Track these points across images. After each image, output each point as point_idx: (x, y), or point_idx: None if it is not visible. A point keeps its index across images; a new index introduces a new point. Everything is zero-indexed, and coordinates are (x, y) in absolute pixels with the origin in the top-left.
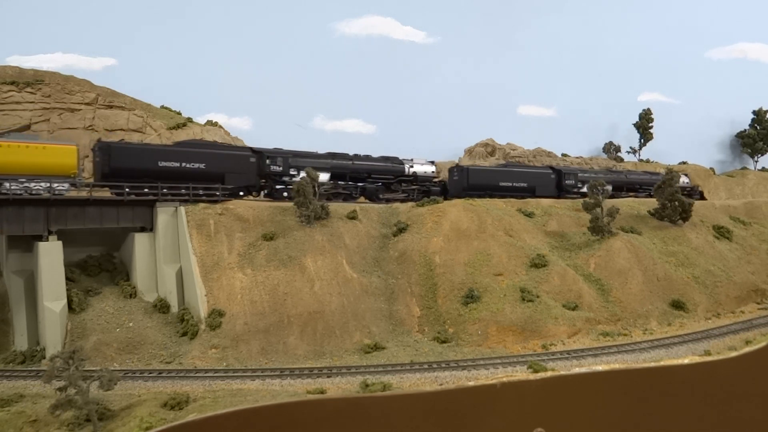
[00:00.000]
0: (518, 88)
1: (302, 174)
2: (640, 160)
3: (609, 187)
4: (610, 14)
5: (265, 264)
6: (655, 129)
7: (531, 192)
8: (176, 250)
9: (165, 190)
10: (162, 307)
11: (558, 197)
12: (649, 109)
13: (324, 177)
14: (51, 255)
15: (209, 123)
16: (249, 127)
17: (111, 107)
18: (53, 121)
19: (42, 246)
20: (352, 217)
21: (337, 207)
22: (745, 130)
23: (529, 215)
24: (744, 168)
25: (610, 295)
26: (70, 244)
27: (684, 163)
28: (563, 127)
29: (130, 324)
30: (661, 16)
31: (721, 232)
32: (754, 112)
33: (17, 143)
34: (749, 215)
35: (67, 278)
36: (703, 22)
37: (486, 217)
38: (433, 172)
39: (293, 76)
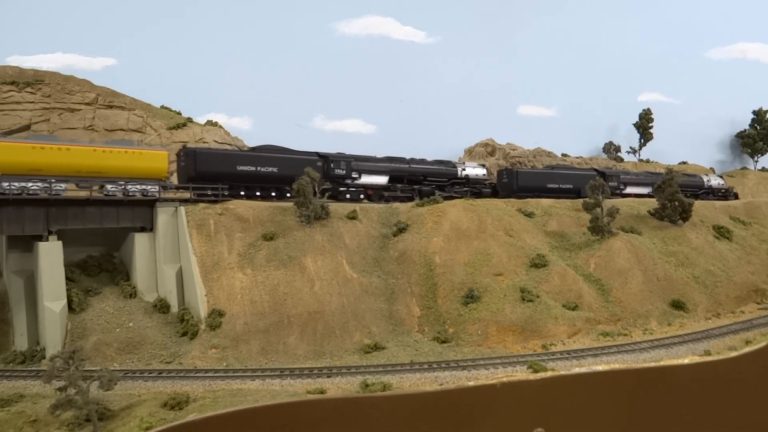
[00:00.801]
0: (518, 88)
1: (363, 177)
2: (640, 160)
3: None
4: (610, 14)
5: (265, 264)
6: (655, 129)
7: (576, 193)
8: (176, 250)
9: (243, 192)
10: (162, 307)
11: None
12: (649, 109)
13: (383, 180)
14: (51, 255)
15: (209, 123)
16: (249, 127)
17: (111, 107)
18: (53, 121)
19: (42, 246)
20: (352, 217)
21: (337, 207)
22: (745, 130)
23: (529, 215)
24: (744, 168)
25: (610, 295)
26: (70, 244)
27: (684, 163)
28: (563, 127)
29: (130, 324)
30: (661, 16)
31: (721, 232)
32: (754, 112)
33: (119, 149)
34: (749, 215)
35: (67, 278)
36: (703, 22)
37: (486, 217)
38: (483, 174)
39: (293, 76)
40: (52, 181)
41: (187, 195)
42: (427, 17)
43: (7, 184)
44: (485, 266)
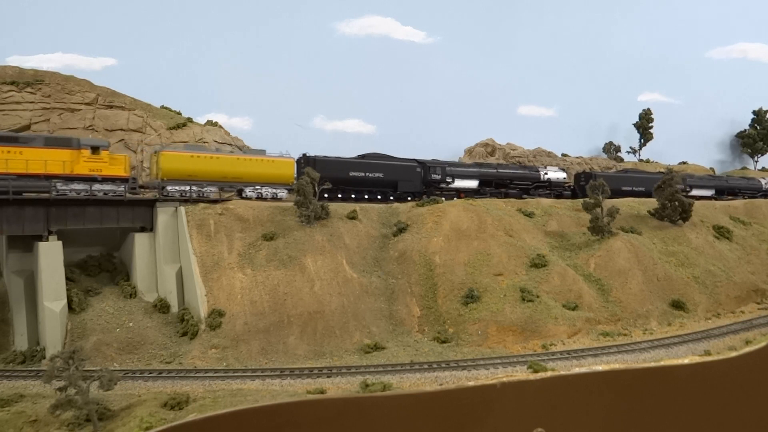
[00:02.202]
0: (518, 88)
1: (457, 181)
2: (640, 160)
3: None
4: (610, 14)
5: (265, 264)
6: (655, 129)
7: (648, 195)
8: (176, 250)
9: (353, 195)
10: (162, 307)
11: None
12: (649, 109)
13: (473, 184)
14: (51, 255)
15: (209, 123)
16: (249, 127)
17: (111, 107)
18: (53, 121)
19: (42, 246)
20: (352, 217)
21: (337, 207)
22: (745, 130)
23: (529, 215)
24: (744, 168)
25: (610, 295)
26: (70, 244)
27: (684, 163)
28: (563, 127)
29: (130, 324)
30: (661, 16)
31: (721, 232)
32: (754, 112)
33: (255, 158)
34: (749, 215)
35: (67, 278)
36: (703, 22)
37: (486, 217)
38: (564, 178)
39: (293, 76)
40: (203, 184)
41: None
42: (427, 17)
43: (170, 187)
44: (485, 266)
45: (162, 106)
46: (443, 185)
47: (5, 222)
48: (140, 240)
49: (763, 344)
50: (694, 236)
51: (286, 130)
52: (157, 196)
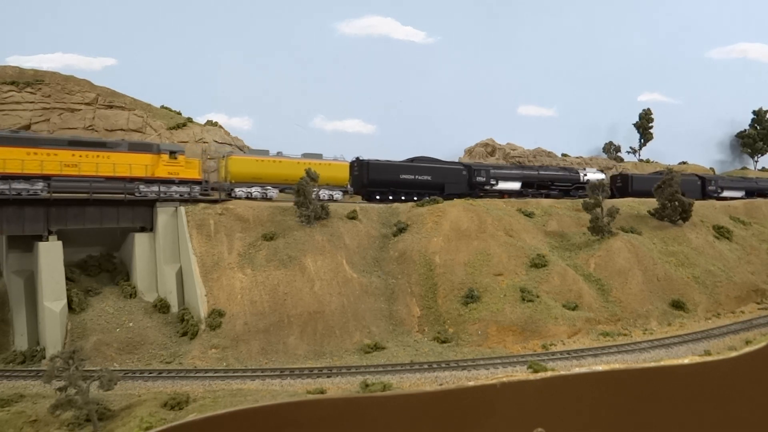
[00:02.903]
0: (518, 88)
1: (500, 183)
2: (640, 160)
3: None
4: (610, 14)
5: (265, 264)
6: (655, 129)
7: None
8: (176, 250)
9: (403, 197)
10: (162, 307)
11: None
12: (649, 109)
13: (516, 186)
14: (51, 255)
15: (209, 123)
16: (249, 127)
17: (111, 107)
18: (53, 121)
19: (42, 246)
20: (352, 217)
21: (337, 207)
22: (745, 130)
23: (529, 215)
24: (744, 168)
25: (610, 295)
26: (70, 244)
27: (684, 163)
28: (563, 127)
29: (130, 324)
30: (662, 16)
31: (721, 232)
32: (754, 112)
33: (314, 161)
34: (749, 215)
35: (67, 278)
36: (703, 22)
37: (486, 217)
38: (603, 179)
39: (293, 76)
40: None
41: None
42: (427, 17)
43: (238, 189)
44: (485, 266)
45: (162, 106)
46: (487, 187)
47: (5, 222)
48: (140, 240)
49: (763, 344)
50: (694, 236)
51: (286, 130)
52: (221, 196)
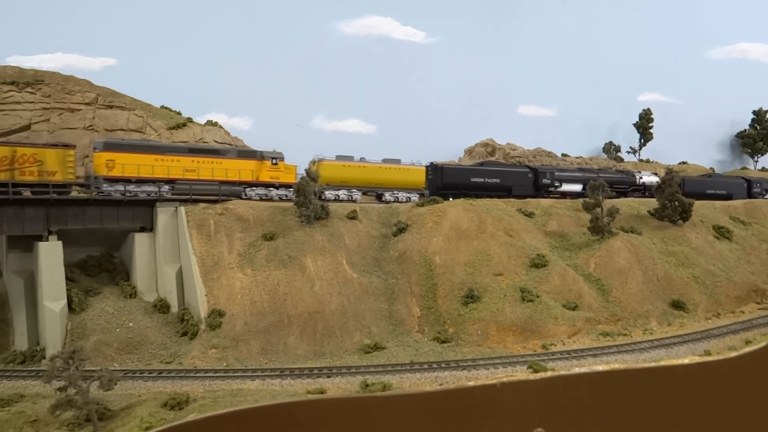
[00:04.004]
0: (518, 88)
1: (564, 185)
2: (640, 160)
3: None
4: (610, 14)
5: (265, 264)
6: (655, 129)
7: (729, 197)
8: (176, 250)
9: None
10: (162, 307)
11: (748, 198)
12: (649, 109)
13: (578, 187)
14: (51, 255)
15: (209, 123)
16: (249, 127)
17: (111, 107)
18: (53, 121)
19: (42, 246)
20: (352, 217)
21: (337, 207)
22: (745, 130)
23: (529, 215)
24: (744, 168)
25: (610, 295)
26: (70, 244)
27: (684, 163)
28: (563, 127)
29: (130, 324)
30: (661, 16)
31: (721, 232)
32: (754, 112)
33: (394, 166)
34: (749, 215)
35: (67, 278)
36: (703, 22)
37: (486, 217)
38: (656, 181)
39: (293, 76)
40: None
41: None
42: (427, 17)
43: (327, 192)
44: (485, 266)
45: (162, 106)
46: (551, 189)
47: (5, 222)
48: (140, 240)
49: (763, 344)
50: (694, 236)
51: (286, 130)
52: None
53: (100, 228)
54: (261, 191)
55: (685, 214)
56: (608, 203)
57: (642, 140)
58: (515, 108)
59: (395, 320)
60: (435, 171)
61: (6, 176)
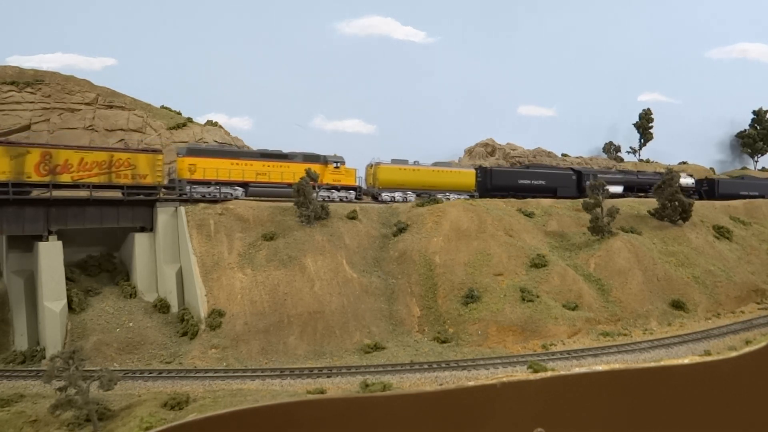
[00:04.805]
0: (518, 88)
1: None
2: (640, 160)
3: None
4: (610, 14)
5: (265, 264)
6: (655, 129)
7: (762, 197)
8: (176, 250)
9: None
10: (162, 307)
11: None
12: (649, 109)
13: (619, 189)
14: (51, 255)
15: (209, 123)
16: (249, 127)
17: (111, 107)
18: (53, 121)
19: (42, 246)
20: (352, 217)
21: (337, 207)
22: (745, 130)
23: (529, 215)
24: (744, 168)
25: (610, 295)
26: (70, 244)
27: (684, 163)
28: (563, 127)
29: (130, 324)
30: (661, 16)
31: (721, 232)
32: (754, 112)
33: (445, 169)
34: (749, 215)
35: (67, 278)
36: (703, 22)
37: (486, 217)
38: (692, 183)
39: (293, 76)
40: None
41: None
42: (427, 17)
43: (384, 194)
44: (485, 266)
45: (162, 106)
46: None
47: (5, 222)
48: (140, 240)
49: (763, 344)
50: (694, 236)
51: (286, 130)
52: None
53: (100, 228)
54: (324, 193)
55: (685, 214)
56: (608, 203)
57: (642, 140)
58: (515, 108)
59: (395, 320)
60: (484, 174)
61: (104, 178)
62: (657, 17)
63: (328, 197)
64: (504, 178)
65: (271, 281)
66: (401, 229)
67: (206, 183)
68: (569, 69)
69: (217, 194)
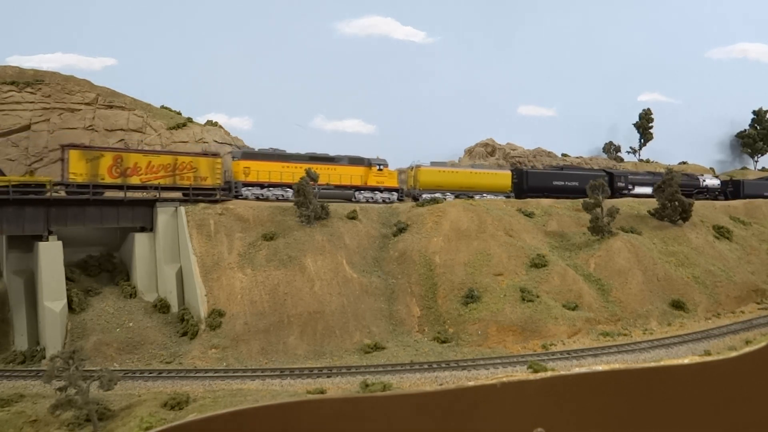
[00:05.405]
0: (518, 88)
1: (636, 188)
2: (640, 160)
3: None
4: (610, 14)
5: (265, 264)
6: (655, 129)
7: None
8: (176, 250)
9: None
10: (162, 307)
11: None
12: (649, 109)
13: (649, 190)
14: (51, 255)
15: (209, 123)
16: (249, 127)
17: (111, 107)
18: (53, 121)
19: (42, 246)
20: (352, 217)
21: (337, 207)
22: (745, 130)
23: (529, 215)
24: (744, 168)
25: (610, 295)
26: (70, 244)
27: (684, 163)
28: (563, 127)
29: (130, 324)
30: (661, 16)
31: (721, 232)
32: (754, 112)
33: (482, 171)
34: (749, 215)
35: (67, 278)
36: (703, 22)
37: (486, 217)
38: (718, 184)
39: (293, 76)
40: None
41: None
42: (427, 17)
43: (424, 195)
44: (485, 266)
45: (162, 106)
46: (625, 191)
47: (5, 222)
48: (140, 240)
49: (763, 344)
50: (694, 236)
51: (286, 130)
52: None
53: (100, 228)
54: (368, 194)
55: (685, 214)
56: (608, 203)
57: (642, 140)
58: (515, 108)
59: (395, 320)
60: (520, 175)
61: (169, 181)
62: (657, 17)
63: (372, 198)
64: (539, 180)
65: (271, 281)
66: (401, 229)
67: (259, 185)
68: (569, 69)
69: (270, 195)
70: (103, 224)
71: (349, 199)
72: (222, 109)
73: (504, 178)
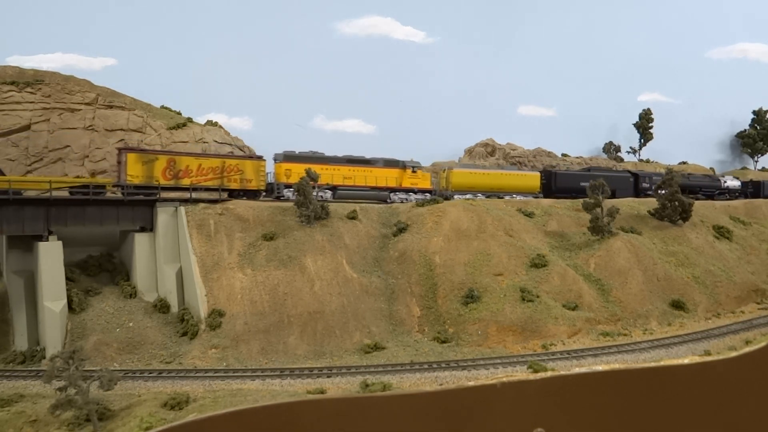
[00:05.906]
0: (518, 88)
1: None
2: (640, 160)
3: None
4: (610, 14)
5: (265, 264)
6: (655, 129)
7: None
8: (176, 250)
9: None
10: (162, 307)
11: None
12: (649, 109)
13: None
14: (51, 255)
15: (209, 123)
16: (249, 127)
17: (111, 107)
18: (53, 121)
19: (42, 246)
20: (352, 217)
21: (337, 207)
22: (745, 130)
23: (529, 215)
24: (744, 168)
25: (610, 295)
26: (70, 244)
27: (684, 163)
28: (563, 127)
29: (130, 324)
30: (662, 16)
31: (721, 232)
32: (754, 112)
33: (511, 173)
34: (749, 215)
35: (67, 278)
36: (703, 22)
37: (486, 217)
38: (738, 185)
39: (293, 76)
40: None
41: (187, 195)
42: (427, 17)
43: (456, 196)
44: (485, 266)
45: (162, 106)
46: (650, 192)
47: (5, 222)
48: (140, 240)
49: (763, 344)
50: (694, 236)
51: (286, 130)
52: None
53: (100, 228)
54: (402, 195)
55: (685, 214)
56: (608, 203)
57: (642, 140)
58: (515, 108)
59: (395, 320)
60: (548, 176)
61: (217, 182)
62: (657, 17)
63: (406, 199)
64: (567, 181)
65: (271, 281)
66: (401, 229)
67: None
68: (569, 69)
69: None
70: (103, 224)
71: (384, 201)
72: (222, 109)
73: (533, 179)
